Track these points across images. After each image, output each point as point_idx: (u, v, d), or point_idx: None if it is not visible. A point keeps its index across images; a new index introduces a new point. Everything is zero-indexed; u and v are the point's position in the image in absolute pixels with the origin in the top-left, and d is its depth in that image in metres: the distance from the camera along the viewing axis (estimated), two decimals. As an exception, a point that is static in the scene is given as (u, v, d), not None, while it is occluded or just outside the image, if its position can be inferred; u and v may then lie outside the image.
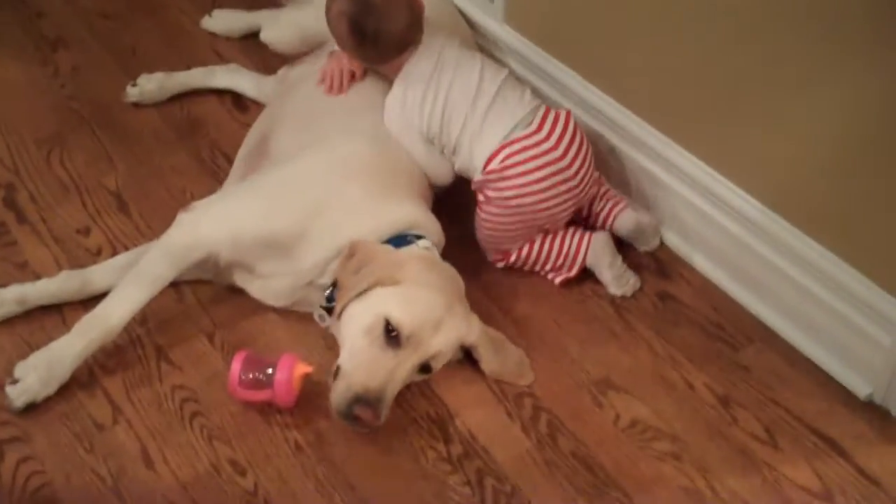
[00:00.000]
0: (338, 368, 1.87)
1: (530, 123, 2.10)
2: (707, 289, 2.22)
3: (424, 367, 1.90)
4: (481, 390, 2.01)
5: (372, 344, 1.84)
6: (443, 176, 2.20)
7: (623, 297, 2.18)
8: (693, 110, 2.13)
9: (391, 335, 1.84)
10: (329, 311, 1.99)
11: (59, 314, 2.11)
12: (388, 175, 2.07)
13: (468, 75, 2.13)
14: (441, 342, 1.89)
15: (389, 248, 1.95)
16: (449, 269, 1.98)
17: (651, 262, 2.27)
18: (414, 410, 1.95)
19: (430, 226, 2.06)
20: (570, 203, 2.14)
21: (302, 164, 2.09)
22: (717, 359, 2.08)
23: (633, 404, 1.99)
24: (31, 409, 1.92)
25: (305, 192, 2.03)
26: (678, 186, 2.21)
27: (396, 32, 2.12)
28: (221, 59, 2.80)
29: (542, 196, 2.10)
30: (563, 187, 2.11)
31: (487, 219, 2.15)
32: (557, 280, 2.21)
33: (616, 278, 2.18)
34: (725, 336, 2.13)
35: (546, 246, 2.19)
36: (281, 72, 2.63)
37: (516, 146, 2.08)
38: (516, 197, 2.10)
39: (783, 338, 2.11)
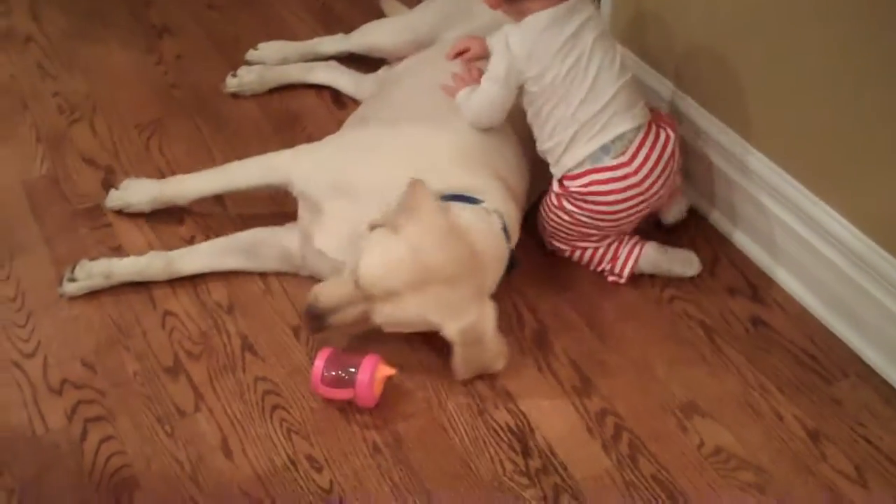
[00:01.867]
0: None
1: (624, 151, 2.04)
2: (802, 317, 2.15)
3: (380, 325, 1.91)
4: (563, 405, 1.97)
5: (347, 272, 1.89)
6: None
7: (713, 321, 2.13)
8: (796, 136, 2.08)
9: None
10: None
11: (147, 292, 2.14)
12: (478, 161, 2.06)
13: (599, 57, 2.02)
14: (391, 312, 1.86)
15: (436, 202, 1.89)
16: (465, 248, 1.87)
17: (745, 286, 2.22)
18: (494, 421, 1.93)
19: (506, 206, 2.01)
20: (641, 216, 2.15)
21: (396, 130, 2.14)
22: (808, 391, 2.01)
23: (719, 431, 1.93)
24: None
25: (393, 153, 2.07)
26: (780, 212, 2.15)
27: None
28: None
29: (619, 217, 2.11)
30: (640, 207, 2.11)
31: (555, 217, 2.15)
32: (609, 279, 2.22)
33: (681, 267, 2.22)
34: (819, 367, 2.06)
35: (599, 254, 2.20)
36: (382, 71, 2.64)
37: (603, 175, 2.05)
38: (590, 217, 2.10)
39: (879, 374, 2.04)
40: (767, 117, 2.15)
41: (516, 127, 2.18)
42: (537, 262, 2.10)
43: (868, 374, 2.05)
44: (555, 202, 2.14)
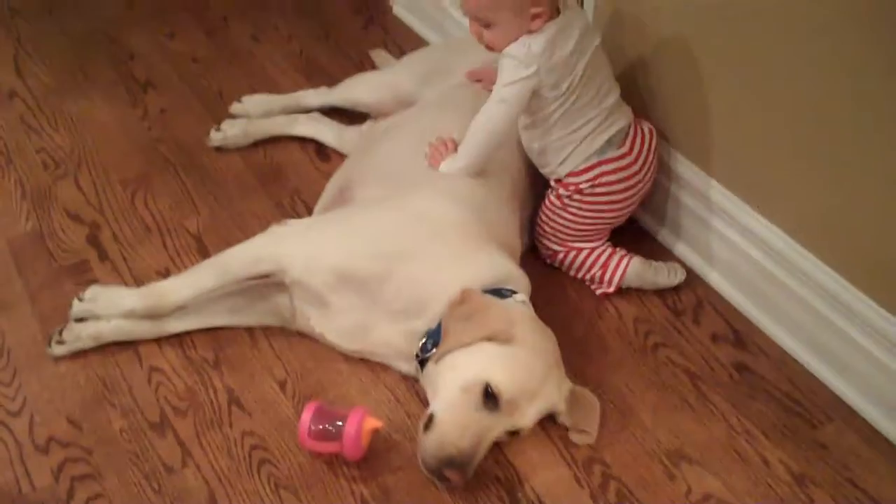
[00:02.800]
0: (431, 418, 1.85)
1: (622, 144, 2.20)
2: (785, 361, 2.17)
3: (513, 431, 1.89)
4: (551, 454, 1.98)
5: (468, 402, 1.82)
6: (501, 135, 2.16)
7: (698, 368, 2.15)
8: (773, 182, 2.11)
9: (489, 397, 1.82)
10: (422, 361, 1.97)
11: (133, 349, 2.14)
12: (476, 233, 2.06)
13: (600, 61, 2.16)
14: (535, 411, 1.88)
15: (501, 301, 1.93)
16: (550, 332, 1.96)
17: (728, 332, 2.24)
18: (483, 473, 1.92)
19: (522, 280, 2.05)
20: (635, 206, 2.32)
21: (391, 209, 2.11)
22: (793, 435, 2.03)
23: (706, 478, 1.94)
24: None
25: (391, 237, 2.04)
26: (757, 255, 2.18)
27: None
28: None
29: (620, 206, 2.26)
30: (638, 195, 2.28)
31: (556, 218, 2.25)
32: (598, 292, 2.31)
33: (667, 277, 2.31)
34: (803, 412, 2.07)
35: (592, 257, 2.29)
36: (365, 126, 2.67)
37: (611, 166, 2.20)
38: (595, 211, 2.22)
39: (862, 416, 2.06)
40: (744, 162, 2.18)
41: (507, 177, 2.24)
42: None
43: (851, 417, 2.06)
44: (557, 203, 2.24)
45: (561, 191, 2.23)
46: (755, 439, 2.01)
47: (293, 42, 3.20)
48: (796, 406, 2.09)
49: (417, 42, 3.17)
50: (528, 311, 1.97)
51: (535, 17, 2.04)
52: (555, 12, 2.06)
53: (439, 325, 1.92)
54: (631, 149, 2.21)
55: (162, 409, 2.03)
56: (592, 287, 2.32)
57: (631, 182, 2.23)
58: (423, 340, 1.97)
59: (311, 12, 3.35)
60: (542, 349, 1.89)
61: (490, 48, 2.11)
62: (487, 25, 2.07)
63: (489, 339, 1.85)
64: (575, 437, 1.99)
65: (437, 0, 3.08)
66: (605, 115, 2.17)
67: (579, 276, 2.32)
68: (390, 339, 2.04)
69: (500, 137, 2.15)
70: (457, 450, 1.78)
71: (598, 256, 2.29)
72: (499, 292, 1.97)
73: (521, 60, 2.05)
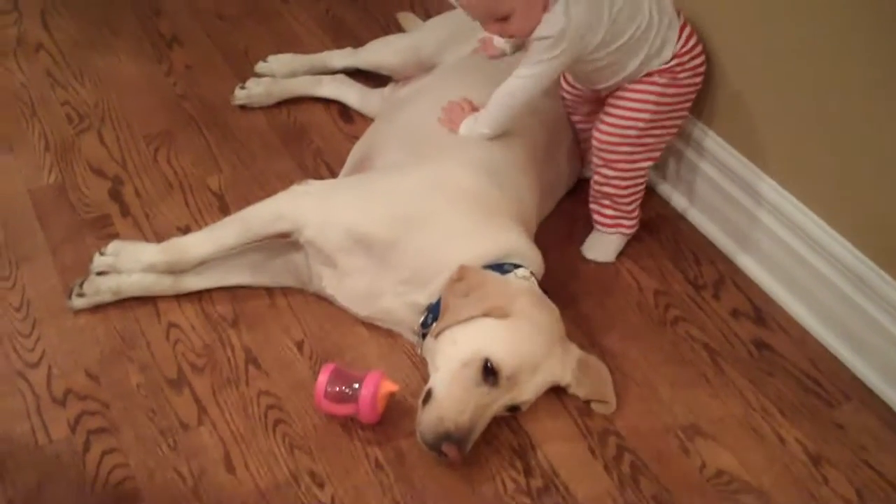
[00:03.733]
0: (429, 392, 1.86)
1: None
2: (805, 340, 2.16)
3: (513, 406, 1.88)
4: (566, 424, 1.97)
5: (467, 377, 1.82)
6: (524, 107, 2.13)
7: (717, 343, 2.14)
8: (803, 161, 2.08)
9: (489, 372, 1.81)
10: (424, 335, 1.97)
11: (152, 304, 2.14)
12: (491, 204, 2.05)
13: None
14: (536, 386, 1.87)
15: (499, 276, 1.93)
16: (553, 307, 1.94)
17: (749, 308, 2.22)
18: (497, 440, 1.93)
19: (531, 254, 2.03)
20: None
21: (410, 176, 2.10)
22: (811, 414, 2.02)
23: (721, 453, 1.94)
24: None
25: (406, 204, 2.03)
26: (785, 235, 2.16)
27: None
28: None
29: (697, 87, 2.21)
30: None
31: (638, 112, 2.17)
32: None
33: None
34: (821, 391, 2.06)
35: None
36: (387, 90, 2.66)
37: (688, 28, 2.15)
38: (697, 76, 2.18)
39: (881, 398, 2.05)
40: (777, 143, 2.15)
41: (527, 142, 2.21)
42: (545, 281, 2.10)
43: (870, 398, 2.05)
44: (651, 92, 2.15)
45: (670, 65, 2.14)
46: (772, 417, 2.00)
47: (321, 2, 3.18)
48: (815, 385, 2.08)
49: (443, 5, 3.14)
50: (530, 285, 1.94)
51: None
52: None
53: (440, 300, 1.92)
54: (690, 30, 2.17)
55: (179, 366, 2.03)
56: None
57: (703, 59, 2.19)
58: (424, 315, 1.97)
59: (339, -27, 3.32)
60: (543, 323, 1.88)
61: (514, 37, 2.07)
62: (505, 18, 2.00)
63: (487, 314, 1.84)
64: (595, 406, 1.98)
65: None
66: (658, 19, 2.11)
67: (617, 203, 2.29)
68: (395, 310, 2.04)
69: (522, 110, 2.13)
70: (454, 425, 1.78)
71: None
72: (500, 267, 1.95)
73: (548, 43, 2.01)
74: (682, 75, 2.15)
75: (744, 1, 2.14)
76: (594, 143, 2.23)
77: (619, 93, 2.17)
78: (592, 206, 2.32)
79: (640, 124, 2.18)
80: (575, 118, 2.41)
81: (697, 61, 2.17)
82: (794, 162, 2.12)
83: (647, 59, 2.11)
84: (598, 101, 2.27)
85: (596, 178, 2.28)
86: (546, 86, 2.10)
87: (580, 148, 2.44)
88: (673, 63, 2.13)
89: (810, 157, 2.07)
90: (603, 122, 2.20)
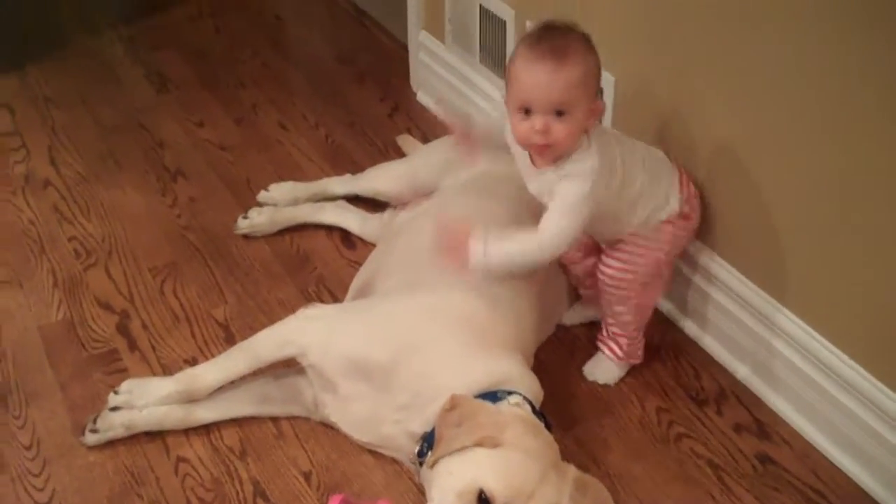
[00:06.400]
0: None
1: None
2: (808, 453, 2.17)
3: None
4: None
5: None
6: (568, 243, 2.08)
7: (721, 459, 2.15)
8: (802, 278, 2.12)
9: (484, 502, 1.80)
10: (421, 460, 1.99)
11: (161, 439, 2.17)
12: (487, 330, 2.08)
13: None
14: None
15: (491, 406, 1.95)
16: (546, 433, 1.96)
17: (751, 422, 2.24)
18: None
19: (526, 381, 2.04)
20: None
21: (408, 302, 2.15)
22: (818, 529, 2.03)
23: (731, 573, 1.94)
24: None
25: (404, 330, 2.07)
26: (787, 351, 2.19)
27: None
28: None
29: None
30: None
31: (648, 258, 2.17)
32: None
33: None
34: (827, 505, 2.08)
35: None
36: (386, 215, 2.72)
37: (684, 176, 2.20)
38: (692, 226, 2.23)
39: (888, 510, 2.05)
40: (774, 263, 2.18)
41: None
42: (543, 402, 2.12)
43: (876, 510, 2.06)
44: (671, 228, 2.17)
45: (680, 216, 2.17)
46: (780, 533, 2.01)
47: (320, 129, 3.27)
48: (820, 498, 2.08)
49: (441, 128, 3.23)
50: (522, 412, 1.95)
51: (593, 111, 1.96)
52: None
53: (434, 429, 1.94)
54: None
55: (188, 501, 2.04)
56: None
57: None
58: (420, 444, 1.98)
59: (337, 101, 3.42)
60: (536, 450, 1.87)
61: (547, 149, 1.95)
62: (561, 113, 1.90)
63: (479, 444, 1.84)
64: None
65: (456, 87, 3.15)
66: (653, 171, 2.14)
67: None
68: (394, 437, 2.06)
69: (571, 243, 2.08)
70: None
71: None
72: (494, 395, 1.97)
73: (584, 177, 1.96)
74: (693, 216, 2.21)
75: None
76: (603, 284, 2.22)
77: (631, 238, 2.17)
78: (607, 342, 2.33)
79: (647, 269, 2.20)
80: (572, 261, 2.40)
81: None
82: (793, 280, 2.16)
83: (655, 211, 2.13)
84: (596, 249, 2.30)
85: (609, 318, 2.29)
86: (575, 237, 2.03)
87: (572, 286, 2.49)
88: (683, 209, 2.17)
89: (808, 273, 2.11)
90: (608, 265, 2.20)
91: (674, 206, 2.16)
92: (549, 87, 1.88)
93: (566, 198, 1.98)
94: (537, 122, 1.90)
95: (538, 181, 2.05)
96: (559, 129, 1.90)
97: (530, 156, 2.04)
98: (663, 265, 2.23)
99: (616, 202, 2.09)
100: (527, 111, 1.92)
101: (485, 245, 2.02)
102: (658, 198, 2.14)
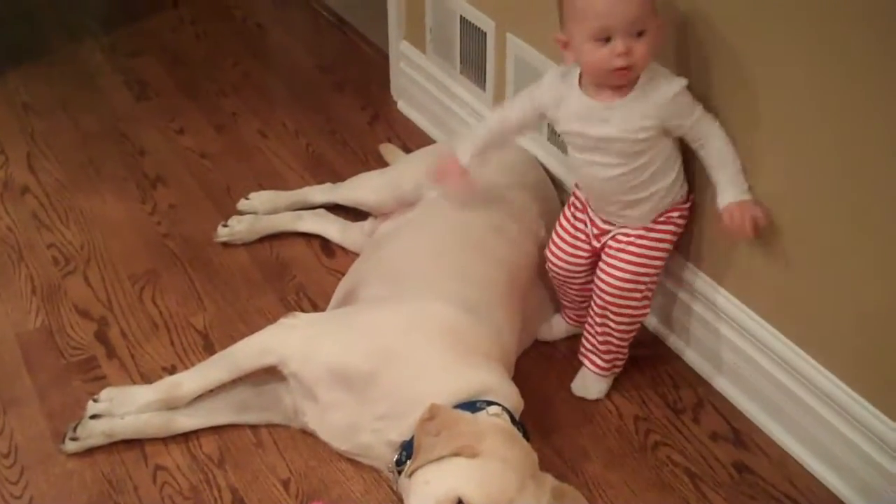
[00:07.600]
0: None
1: None
2: (784, 462, 2.19)
3: None
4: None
5: None
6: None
7: (698, 468, 2.17)
8: (781, 292, 2.15)
9: None
10: (399, 469, 1.99)
11: (139, 446, 2.16)
12: (468, 339, 2.09)
13: None
14: None
15: (470, 416, 1.95)
16: (525, 443, 1.96)
17: (728, 431, 2.26)
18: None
19: (505, 391, 2.04)
20: None
21: (389, 311, 2.16)
22: (794, 537, 2.04)
23: (707, 580, 1.95)
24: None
25: (385, 339, 2.07)
26: (762, 360, 2.21)
27: None
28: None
29: None
30: None
31: (657, 252, 2.20)
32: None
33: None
34: (802, 512, 2.09)
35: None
36: (368, 224, 2.72)
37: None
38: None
39: (862, 518, 2.07)
40: (755, 274, 2.20)
41: (510, 272, 2.28)
42: (522, 411, 2.13)
43: (851, 518, 2.08)
44: (674, 228, 2.20)
45: (677, 219, 2.20)
46: (755, 541, 2.03)
47: (300, 138, 3.27)
48: (796, 506, 2.11)
49: (422, 137, 3.25)
50: (501, 422, 1.95)
51: (660, 28, 1.97)
52: None
53: (412, 439, 1.94)
54: None
55: (166, 509, 2.05)
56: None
57: None
58: (399, 452, 1.98)
59: (318, 109, 3.43)
60: (513, 459, 1.87)
61: (629, 72, 1.96)
62: (641, 33, 1.92)
63: (457, 453, 1.84)
64: None
65: (436, 97, 3.17)
66: None
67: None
68: (373, 446, 2.06)
69: None
70: None
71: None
72: (473, 405, 1.98)
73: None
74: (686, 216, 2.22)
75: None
76: (603, 294, 2.21)
77: (635, 239, 2.18)
78: (589, 356, 2.33)
79: (653, 270, 2.21)
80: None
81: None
82: (773, 293, 2.17)
83: (674, 184, 2.14)
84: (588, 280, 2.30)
85: (598, 329, 2.28)
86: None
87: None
88: (689, 203, 2.20)
89: (787, 288, 2.13)
90: (617, 269, 2.19)
91: (684, 191, 2.18)
92: (627, 5, 1.90)
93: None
94: (619, 45, 1.91)
95: (617, 116, 2.02)
96: (640, 49, 1.92)
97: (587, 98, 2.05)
98: (660, 271, 2.24)
99: (663, 149, 2.08)
100: (605, 38, 1.93)
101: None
102: (676, 171, 2.14)
